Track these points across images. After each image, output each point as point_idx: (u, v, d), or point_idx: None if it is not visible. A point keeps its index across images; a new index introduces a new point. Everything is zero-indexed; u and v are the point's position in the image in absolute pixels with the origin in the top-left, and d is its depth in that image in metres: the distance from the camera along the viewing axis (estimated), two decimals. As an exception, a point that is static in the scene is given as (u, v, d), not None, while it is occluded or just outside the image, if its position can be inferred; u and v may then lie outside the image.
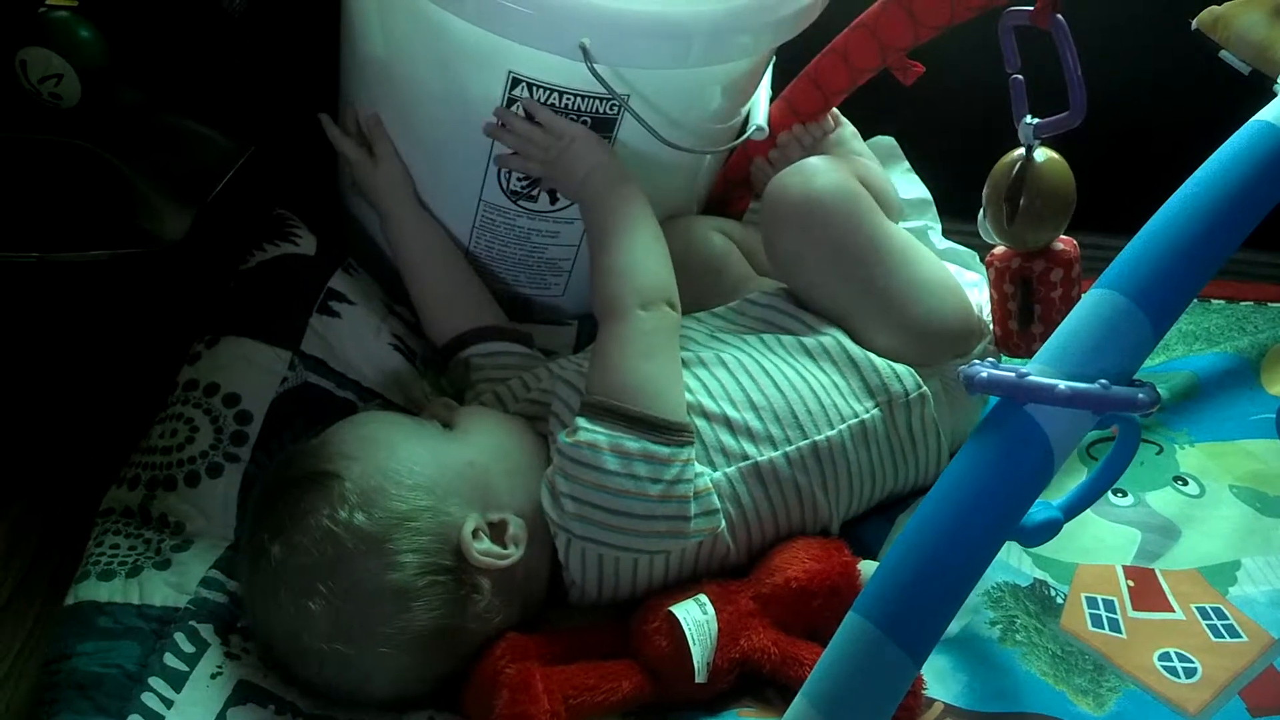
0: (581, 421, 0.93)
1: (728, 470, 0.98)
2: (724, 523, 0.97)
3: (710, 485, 0.96)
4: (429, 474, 0.91)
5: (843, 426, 1.02)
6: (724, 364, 1.03)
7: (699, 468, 0.95)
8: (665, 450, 0.93)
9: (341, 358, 1.11)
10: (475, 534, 0.90)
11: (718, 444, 0.98)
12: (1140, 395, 0.66)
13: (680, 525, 0.94)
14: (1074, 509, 0.79)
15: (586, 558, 0.94)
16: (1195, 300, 1.33)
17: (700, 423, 0.98)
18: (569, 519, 0.92)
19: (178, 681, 0.88)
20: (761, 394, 1.01)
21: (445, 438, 0.95)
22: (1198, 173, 0.69)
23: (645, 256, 1.01)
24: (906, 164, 1.37)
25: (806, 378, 1.03)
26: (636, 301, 0.98)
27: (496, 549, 0.91)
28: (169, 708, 0.86)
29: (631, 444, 0.92)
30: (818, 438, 1.01)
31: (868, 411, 1.03)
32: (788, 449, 1.00)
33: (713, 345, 1.06)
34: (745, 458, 0.99)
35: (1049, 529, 0.78)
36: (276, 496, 0.90)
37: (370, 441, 0.92)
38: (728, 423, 0.99)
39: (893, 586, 0.67)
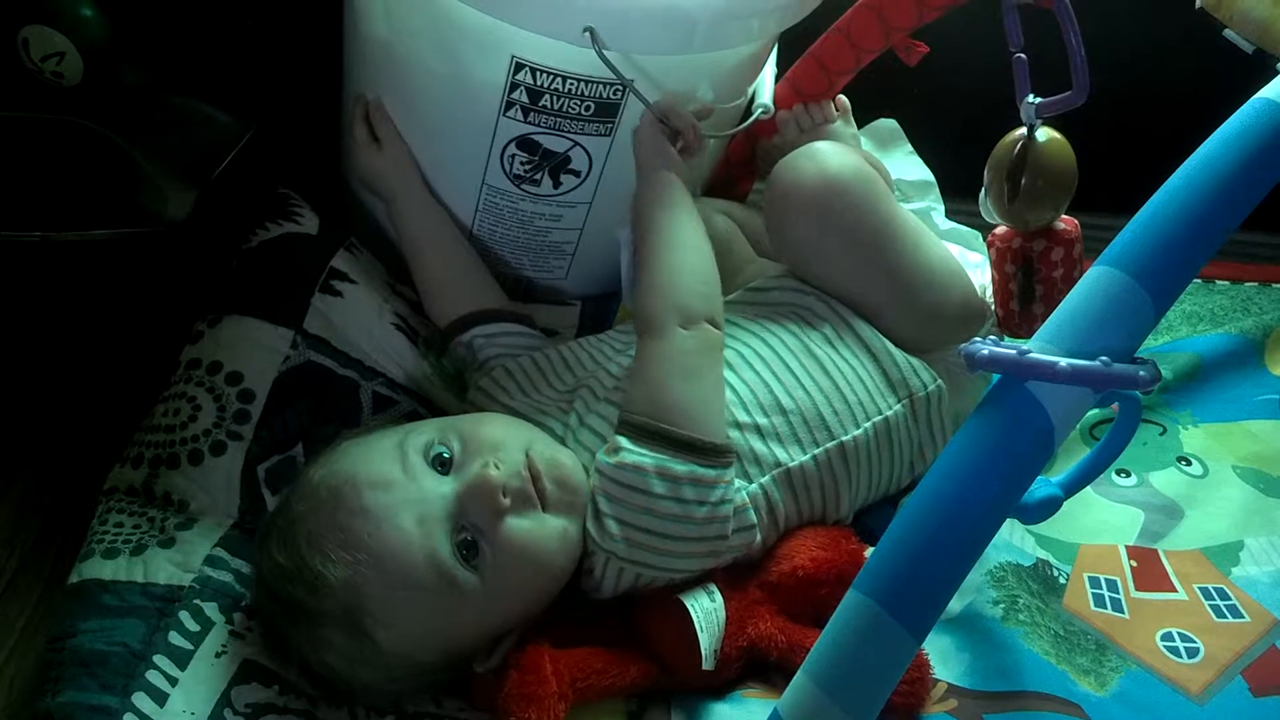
0: (624, 442, 0.92)
1: (763, 481, 0.97)
2: (759, 536, 0.96)
3: (747, 500, 0.95)
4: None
5: (868, 425, 1.01)
6: (749, 364, 1.01)
7: (738, 483, 0.94)
8: (711, 473, 0.91)
9: (344, 337, 1.11)
10: None
11: (751, 454, 0.97)
12: (1141, 373, 0.66)
13: (719, 545, 0.93)
14: (1074, 486, 0.80)
15: (623, 575, 0.92)
16: (1199, 281, 1.33)
17: (733, 434, 0.96)
18: (614, 541, 0.90)
19: (182, 659, 0.88)
20: (789, 396, 1.00)
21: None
22: (1200, 150, 0.69)
23: (687, 273, 0.98)
24: (909, 146, 1.37)
25: (831, 373, 1.02)
26: (676, 320, 0.95)
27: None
28: (174, 685, 0.86)
29: (679, 468, 0.90)
30: (845, 438, 1.00)
31: (891, 408, 1.03)
32: (815, 451, 0.99)
33: (733, 343, 1.03)
34: (778, 465, 0.98)
35: (1049, 506, 0.78)
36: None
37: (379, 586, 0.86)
38: (759, 430, 0.98)
39: (893, 563, 0.67)
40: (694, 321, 0.96)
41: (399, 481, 0.87)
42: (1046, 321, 0.68)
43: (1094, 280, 0.68)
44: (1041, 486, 0.77)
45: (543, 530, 0.89)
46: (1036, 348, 0.67)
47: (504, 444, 0.91)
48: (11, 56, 1.10)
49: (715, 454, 0.92)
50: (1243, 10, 1.07)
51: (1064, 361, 0.65)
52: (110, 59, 1.13)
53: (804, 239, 1.05)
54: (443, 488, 0.88)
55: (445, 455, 0.90)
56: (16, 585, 1.01)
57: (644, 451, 0.90)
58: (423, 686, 0.91)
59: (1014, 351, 0.67)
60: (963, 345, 0.71)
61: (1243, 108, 0.69)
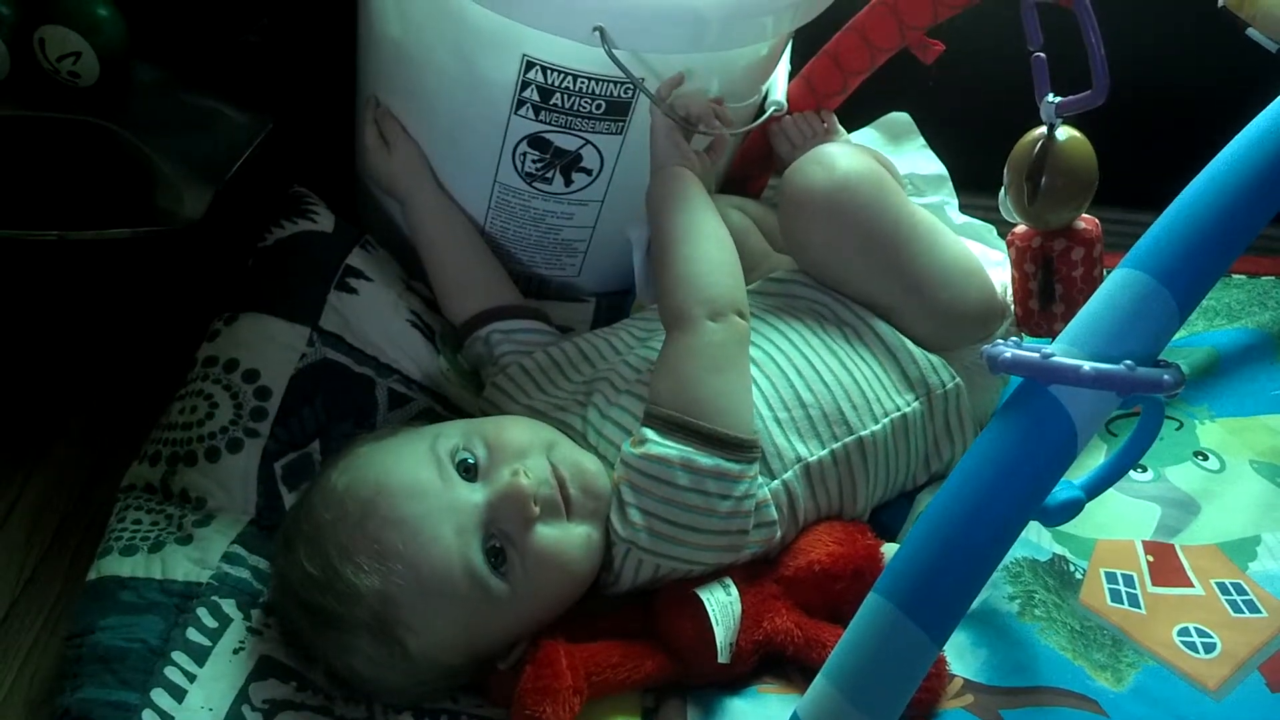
0: (651, 434, 0.91)
1: (785, 477, 0.97)
2: (779, 532, 0.96)
3: (769, 496, 0.95)
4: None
5: (885, 421, 1.01)
6: (771, 359, 1.01)
7: (761, 479, 0.94)
8: (736, 467, 0.91)
9: (359, 334, 1.11)
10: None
11: (774, 449, 0.96)
12: (1165, 377, 0.66)
13: (740, 540, 0.93)
14: (1096, 488, 0.79)
15: (642, 567, 0.92)
16: (1215, 275, 1.32)
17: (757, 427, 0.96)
18: (636, 531, 0.90)
19: (201, 656, 0.89)
20: (809, 390, 1.00)
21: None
22: (1225, 151, 0.69)
23: (711, 265, 0.98)
24: (922, 140, 1.36)
25: (850, 369, 1.02)
26: (704, 312, 0.94)
27: None
28: (192, 681, 0.87)
29: (705, 461, 0.90)
30: (863, 433, 1.00)
31: (909, 405, 1.02)
32: (834, 446, 0.99)
33: (753, 339, 1.01)
34: (798, 460, 0.97)
35: (1071, 508, 0.78)
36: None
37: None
38: (779, 425, 0.98)
39: (914, 567, 0.67)
40: (722, 314, 0.95)
41: (434, 490, 0.87)
42: (1070, 324, 0.68)
43: (1118, 282, 0.67)
44: (1063, 489, 0.77)
45: (569, 538, 0.90)
46: (1060, 351, 0.67)
47: (529, 449, 0.91)
48: (28, 56, 1.10)
49: (741, 448, 0.91)
50: (1266, 8, 1.05)
51: (1088, 365, 0.65)
52: (126, 59, 1.13)
53: (818, 243, 1.05)
54: (474, 496, 0.88)
55: (470, 461, 0.90)
56: (36, 582, 1.01)
57: (670, 444, 0.90)
58: (446, 687, 0.91)
59: (1037, 354, 0.66)
60: (985, 347, 0.71)
61: (1268, 109, 0.69)
